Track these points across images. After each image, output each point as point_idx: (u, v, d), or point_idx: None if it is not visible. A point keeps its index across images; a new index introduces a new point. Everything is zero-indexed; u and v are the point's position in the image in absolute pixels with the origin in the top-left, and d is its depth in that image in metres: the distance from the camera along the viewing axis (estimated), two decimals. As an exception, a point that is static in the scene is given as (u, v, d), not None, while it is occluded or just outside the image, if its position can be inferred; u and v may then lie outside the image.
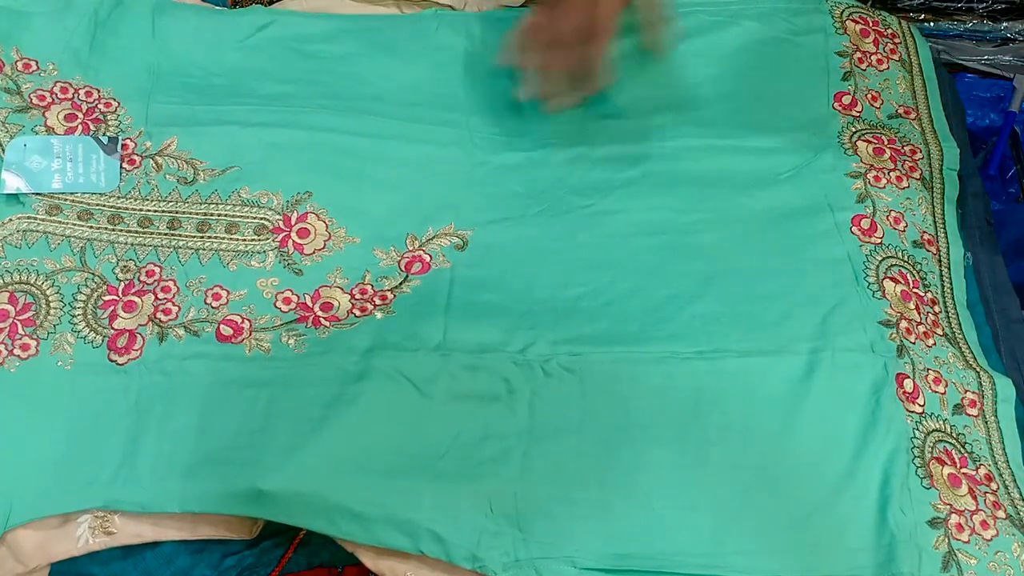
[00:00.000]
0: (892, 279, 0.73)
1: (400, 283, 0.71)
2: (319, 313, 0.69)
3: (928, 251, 0.77)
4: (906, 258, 0.75)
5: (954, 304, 0.76)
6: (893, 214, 0.77)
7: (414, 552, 0.58)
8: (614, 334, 0.68)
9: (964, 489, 0.65)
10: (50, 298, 0.66)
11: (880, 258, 0.74)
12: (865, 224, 0.76)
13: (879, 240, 0.75)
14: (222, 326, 0.67)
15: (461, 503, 0.60)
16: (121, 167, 0.72)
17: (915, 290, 0.74)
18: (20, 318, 0.65)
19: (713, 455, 0.63)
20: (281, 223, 0.72)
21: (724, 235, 0.75)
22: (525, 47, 0.75)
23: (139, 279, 0.68)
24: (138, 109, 0.75)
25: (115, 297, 0.67)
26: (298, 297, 0.69)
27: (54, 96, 0.74)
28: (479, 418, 0.64)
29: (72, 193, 0.70)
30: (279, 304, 0.69)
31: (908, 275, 0.74)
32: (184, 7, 0.82)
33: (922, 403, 0.67)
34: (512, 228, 0.74)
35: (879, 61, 0.86)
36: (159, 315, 0.67)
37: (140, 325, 0.66)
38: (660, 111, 0.81)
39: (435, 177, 0.76)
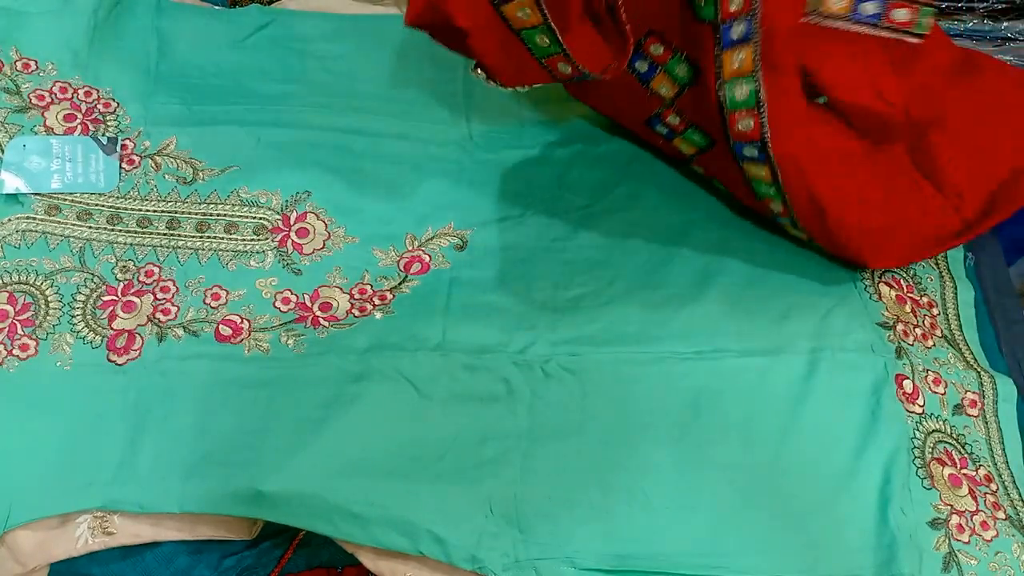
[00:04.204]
0: (887, 284, 0.73)
1: (399, 283, 0.71)
2: (318, 313, 0.69)
3: None
4: None
5: (955, 305, 0.76)
6: None
7: (414, 553, 0.58)
8: (614, 334, 0.68)
9: (964, 490, 0.65)
10: (49, 298, 0.66)
11: None
12: None
13: None
14: (221, 326, 0.67)
15: (461, 504, 0.60)
16: (120, 167, 0.72)
17: (910, 295, 0.74)
18: (19, 318, 0.65)
19: (713, 455, 0.63)
20: (280, 223, 0.72)
21: (724, 235, 0.75)
22: None
23: (138, 279, 0.68)
24: (137, 109, 0.75)
25: (114, 297, 0.67)
26: (297, 297, 0.69)
27: (53, 96, 0.73)
28: (479, 419, 0.63)
29: (71, 193, 0.70)
30: (278, 304, 0.69)
31: (901, 280, 0.75)
32: (183, 7, 0.82)
33: (922, 404, 0.67)
34: (511, 228, 0.74)
35: None
36: (158, 315, 0.67)
37: (139, 325, 0.66)
38: None
39: (434, 176, 0.76)
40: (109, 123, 0.74)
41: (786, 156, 0.62)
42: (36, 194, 0.69)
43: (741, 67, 0.60)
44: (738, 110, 0.62)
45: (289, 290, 0.69)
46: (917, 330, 0.72)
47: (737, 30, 0.59)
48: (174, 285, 0.68)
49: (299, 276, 0.70)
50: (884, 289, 0.73)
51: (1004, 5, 0.90)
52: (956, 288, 0.76)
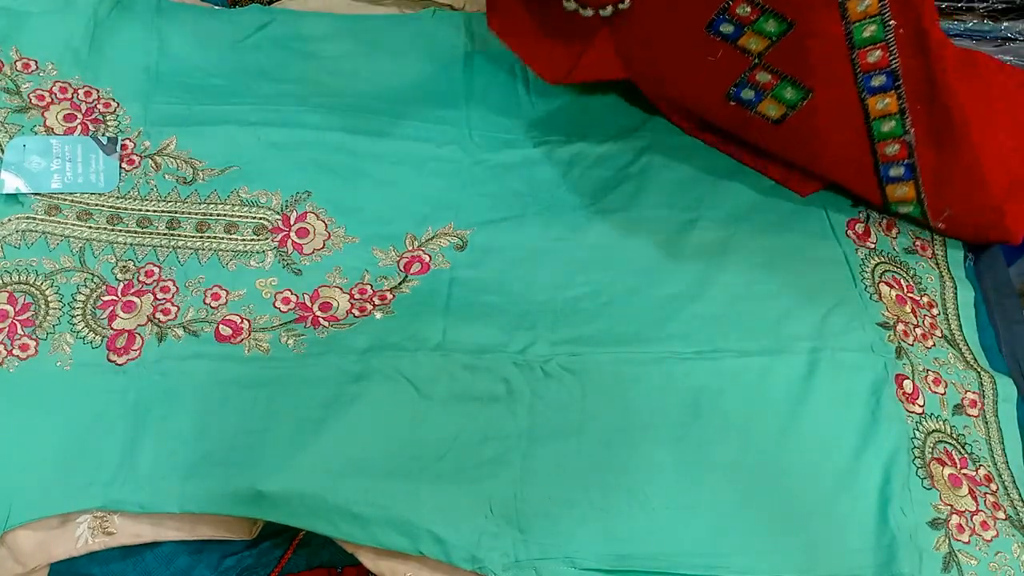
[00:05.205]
0: (887, 283, 0.73)
1: (399, 283, 0.71)
2: (318, 313, 0.69)
3: (922, 255, 0.77)
4: (899, 264, 0.76)
5: (955, 305, 0.76)
6: (885, 221, 0.78)
7: (414, 553, 0.58)
8: (614, 334, 0.68)
9: (964, 490, 0.65)
10: (49, 298, 0.66)
11: (875, 263, 0.75)
12: (859, 228, 0.77)
13: (872, 245, 0.76)
14: (221, 326, 0.67)
15: (461, 504, 0.60)
16: (120, 167, 0.72)
17: (910, 295, 0.74)
18: (19, 318, 0.65)
19: (713, 455, 0.63)
20: (280, 223, 0.72)
21: (724, 235, 0.75)
22: None
23: (138, 279, 0.68)
24: (137, 109, 0.75)
25: (114, 297, 0.67)
26: (297, 297, 0.69)
27: (53, 96, 0.73)
28: (479, 419, 0.64)
29: (71, 193, 0.70)
30: (278, 304, 0.69)
31: (902, 280, 0.75)
32: (183, 7, 0.82)
33: (922, 404, 0.67)
34: (512, 228, 0.74)
35: None
36: (158, 315, 0.67)
37: (139, 325, 0.66)
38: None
39: (434, 176, 0.76)
40: (109, 123, 0.74)
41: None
42: (36, 194, 0.69)
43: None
44: (866, 46, 0.62)
45: (289, 290, 0.69)
46: (917, 330, 0.72)
47: None
48: (174, 285, 0.68)
49: (299, 276, 0.70)
50: (884, 289, 0.73)
51: (1004, 5, 0.91)
52: (956, 288, 0.77)
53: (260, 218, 0.72)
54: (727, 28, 0.66)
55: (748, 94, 0.70)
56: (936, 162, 0.68)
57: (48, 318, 0.65)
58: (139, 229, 0.70)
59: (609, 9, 0.69)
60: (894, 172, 0.70)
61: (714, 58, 0.69)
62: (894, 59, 0.64)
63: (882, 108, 0.66)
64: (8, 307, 0.65)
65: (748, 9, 0.64)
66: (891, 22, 0.62)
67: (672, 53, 0.73)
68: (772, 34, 0.65)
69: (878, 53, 0.63)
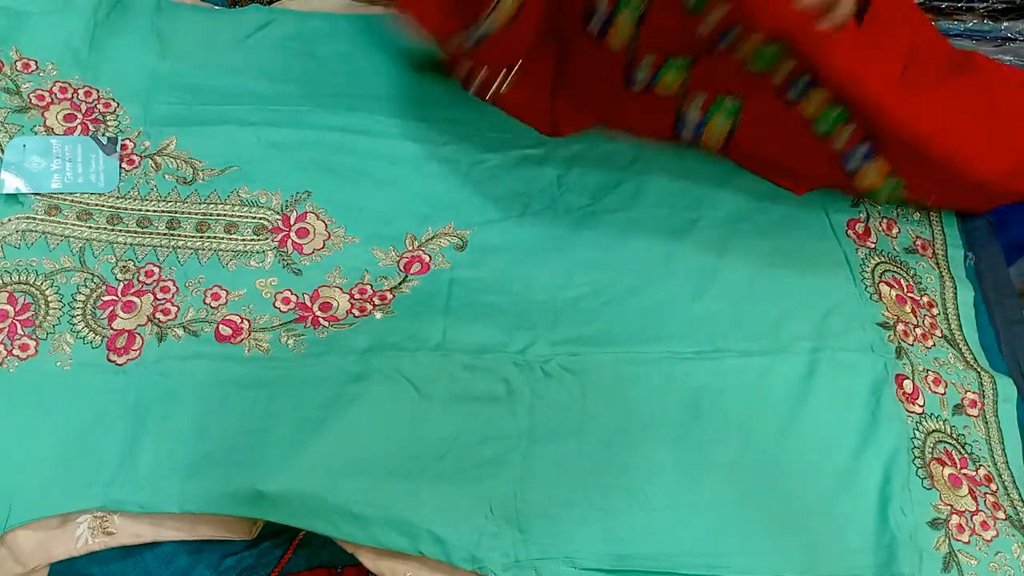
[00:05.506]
0: (887, 283, 0.73)
1: (399, 283, 0.71)
2: (318, 313, 0.69)
3: (923, 255, 0.78)
4: (899, 264, 0.76)
5: (955, 305, 0.76)
6: (886, 220, 0.78)
7: (414, 553, 0.58)
8: (614, 334, 0.68)
9: (964, 490, 0.65)
10: (49, 298, 0.66)
11: (875, 263, 0.75)
12: (860, 228, 0.77)
13: (873, 245, 0.76)
14: (221, 326, 0.67)
15: (461, 504, 0.60)
16: (120, 167, 0.72)
17: (910, 294, 0.74)
18: (19, 318, 0.65)
19: (713, 455, 0.63)
20: (280, 223, 0.72)
21: (724, 235, 0.75)
22: None
23: (138, 279, 0.68)
24: (137, 109, 0.75)
25: (114, 297, 0.67)
26: (297, 297, 0.69)
27: (53, 96, 0.73)
28: (479, 419, 0.64)
29: (71, 193, 0.70)
30: (278, 304, 0.69)
31: (902, 280, 0.75)
32: (183, 7, 0.82)
33: (922, 404, 0.67)
34: (511, 228, 0.74)
35: None
36: (158, 315, 0.67)
37: (139, 325, 0.66)
38: None
39: (434, 176, 0.76)
40: (109, 123, 0.74)
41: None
42: (36, 194, 0.69)
43: None
44: (769, 70, 0.63)
45: (289, 290, 0.69)
46: (917, 330, 0.72)
47: None
48: (174, 285, 0.68)
49: (299, 276, 0.70)
50: (884, 289, 0.73)
51: (1004, 5, 0.91)
52: (956, 288, 0.77)
53: (260, 218, 0.72)
54: (642, 76, 0.70)
55: (693, 119, 0.73)
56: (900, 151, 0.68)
57: (48, 318, 0.65)
58: (139, 229, 0.70)
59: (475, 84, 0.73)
60: (857, 158, 0.69)
61: (643, 107, 0.72)
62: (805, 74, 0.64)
63: (815, 105, 0.66)
64: (8, 307, 0.65)
65: (653, 59, 0.68)
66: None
67: (612, 108, 0.76)
68: (681, 68, 0.68)
69: (784, 72, 0.65)
